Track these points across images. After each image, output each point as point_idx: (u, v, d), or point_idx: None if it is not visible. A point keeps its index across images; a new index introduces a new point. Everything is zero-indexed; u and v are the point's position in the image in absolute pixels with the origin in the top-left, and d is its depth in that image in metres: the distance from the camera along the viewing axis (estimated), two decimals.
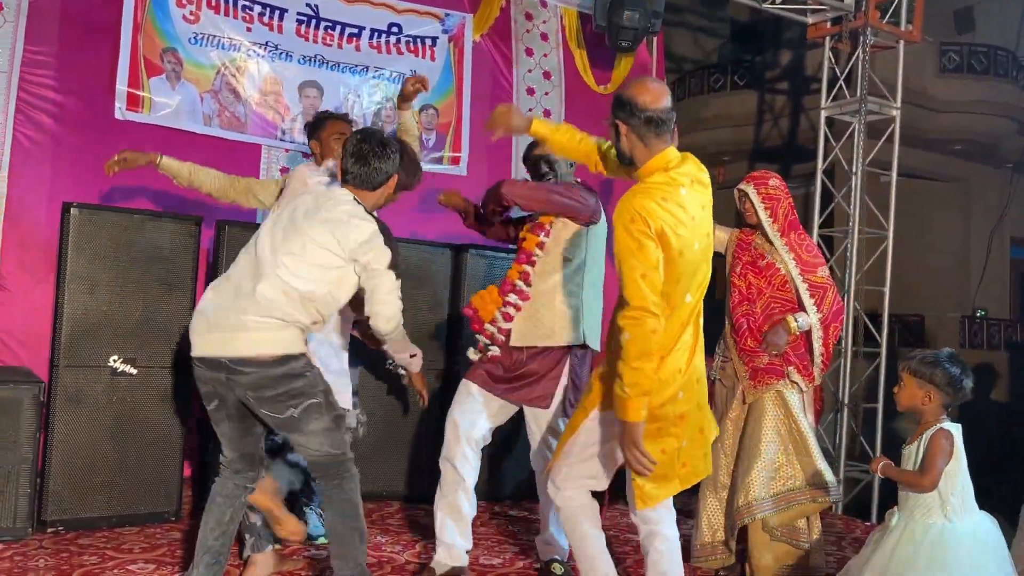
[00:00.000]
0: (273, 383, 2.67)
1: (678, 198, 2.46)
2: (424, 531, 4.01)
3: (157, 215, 3.85)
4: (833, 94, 6.04)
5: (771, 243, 3.53)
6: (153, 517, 3.81)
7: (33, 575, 3.09)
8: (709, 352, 2.85)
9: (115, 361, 3.70)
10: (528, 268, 3.34)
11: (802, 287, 3.49)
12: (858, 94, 5.75)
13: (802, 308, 3.48)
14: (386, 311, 2.80)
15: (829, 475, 3.40)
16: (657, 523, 2.65)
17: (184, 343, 3.74)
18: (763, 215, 3.51)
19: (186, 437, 3.91)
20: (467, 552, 3.27)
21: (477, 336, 3.35)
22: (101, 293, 3.70)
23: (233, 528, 2.86)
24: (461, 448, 3.24)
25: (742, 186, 3.59)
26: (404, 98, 3.70)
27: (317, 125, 3.70)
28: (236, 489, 2.84)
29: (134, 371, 3.74)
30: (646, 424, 2.47)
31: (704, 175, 2.59)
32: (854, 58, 5.88)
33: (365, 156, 2.81)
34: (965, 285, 10.19)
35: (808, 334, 3.49)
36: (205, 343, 2.70)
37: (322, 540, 3.55)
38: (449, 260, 4.55)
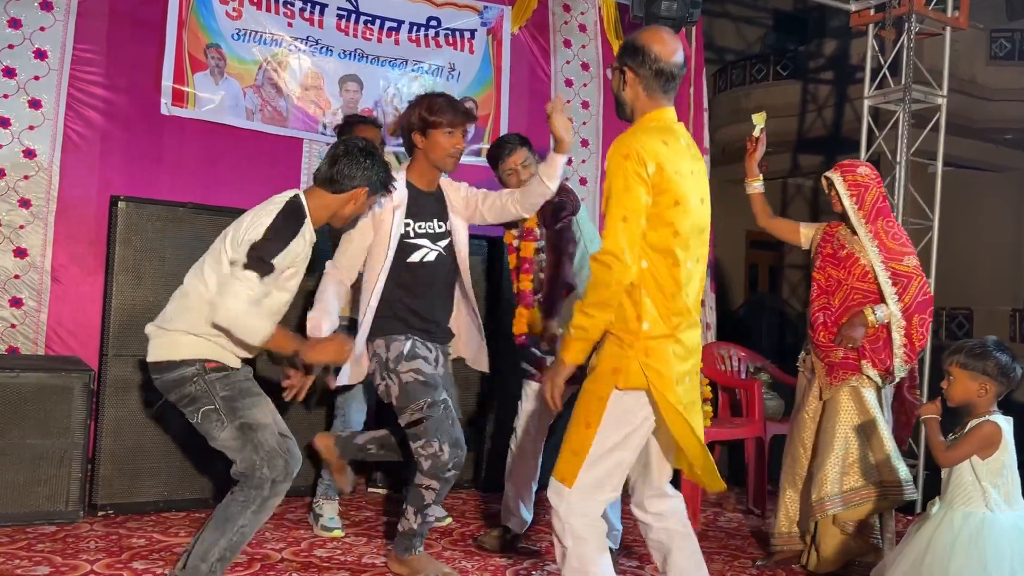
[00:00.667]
0: (170, 388, 2.71)
1: (678, 145, 2.32)
2: (460, 516, 4.05)
3: (201, 208, 3.94)
4: (877, 82, 5.93)
5: (855, 232, 3.46)
6: (198, 503, 3.90)
7: (85, 556, 3.19)
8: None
9: None
10: (540, 274, 3.47)
11: (883, 276, 3.39)
12: (903, 82, 5.64)
13: (883, 299, 3.39)
14: (220, 299, 2.57)
15: (903, 472, 3.32)
16: (657, 515, 2.47)
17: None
18: (848, 202, 3.46)
19: None
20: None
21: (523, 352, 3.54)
22: (148, 285, 3.80)
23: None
24: (533, 446, 3.53)
25: (828, 174, 3.55)
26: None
27: (345, 129, 3.75)
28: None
29: None
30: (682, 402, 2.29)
31: (695, 147, 2.44)
32: (898, 46, 5.77)
33: (336, 158, 2.76)
34: (1017, 278, 9.93)
35: (889, 327, 3.39)
36: None
37: (337, 532, 3.64)
38: (485, 252, 4.61)
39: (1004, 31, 10.06)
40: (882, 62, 5.94)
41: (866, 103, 5.98)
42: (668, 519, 2.48)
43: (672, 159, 2.27)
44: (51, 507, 3.56)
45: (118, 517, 3.70)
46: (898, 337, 3.37)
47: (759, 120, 3.55)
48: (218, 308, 2.57)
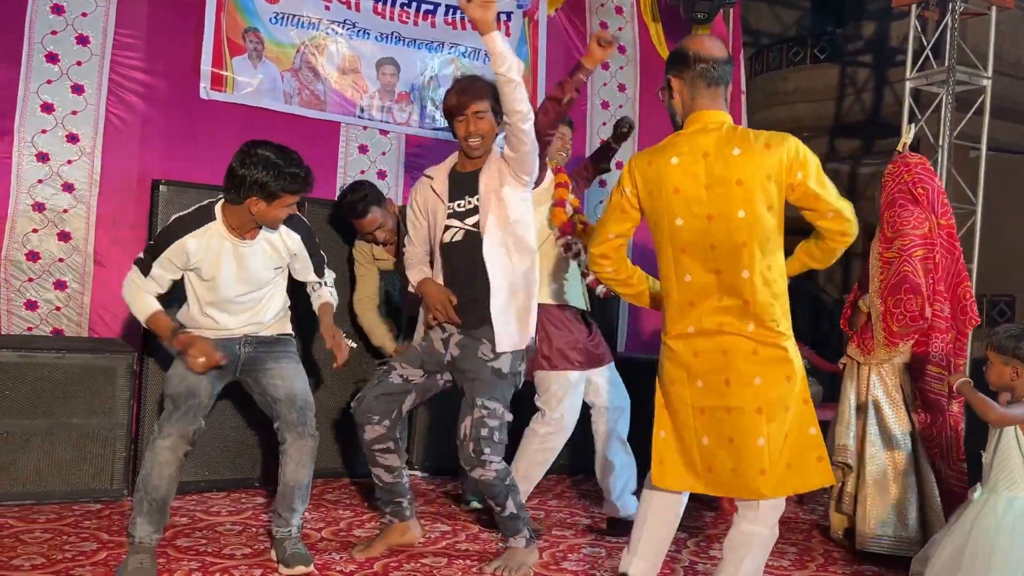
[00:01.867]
0: None
1: (662, 164, 2.38)
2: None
3: None
4: (919, 65, 5.82)
5: None
6: (238, 483, 3.95)
7: None
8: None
9: None
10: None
11: (874, 266, 3.52)
12: (946, 64, 5.53)
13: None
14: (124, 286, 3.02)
15: (838, 439, 3.53)
16: (740, 515, 2.51)
17: None
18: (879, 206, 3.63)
19: None
20: None
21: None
22: None
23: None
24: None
25: None
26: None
27: None
28: None
29: None
30: (659, 398, 2.53)
31: (736, 148, 2.32)
32: (942, 26, 5.65)
33: (227, 170, 2.86)
34: None
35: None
36: None
37: (475, 504, 3.77)
38: None
39: None
40: (924, 43, 5.82)
41: (908, 85, 5.88)
42: (738, 514, 2.53)
43: (648, 180, 2.41)
44: (96, 485, 3.63)
45: None
46: (876, 322, 3.51)
47: (908, 134, 3.73)
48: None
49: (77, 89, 4.47)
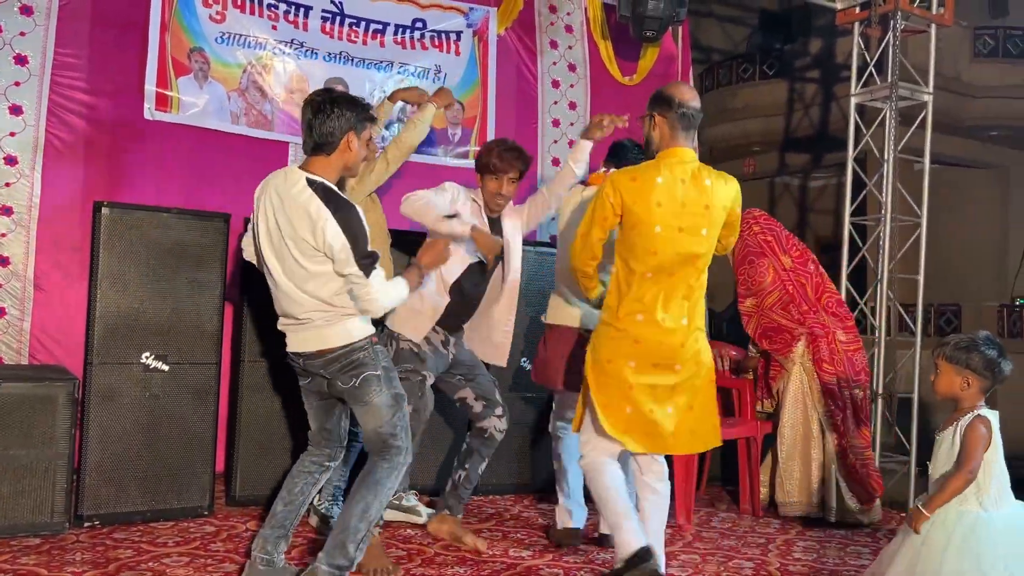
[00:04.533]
0: (333, 363, 2.82)
1: (648, 182, 2.85)
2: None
3: (185, 213, 3.88)
4: (863, 81, 5.93)
5: None
6: (186, 512, 3.85)
7: (71, 568, 3.14)
8: None
9: (147, 358, 3.75)
10: None
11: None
12: (889, 80, 5.64)
13: None
14: (371, 308, 2.78)
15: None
16: (647, 474, 3.07)
17: (214, 339, 3.82)
18: None
19: (217, 432, 3.95)
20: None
21: None
22: (132, 291, 3.74)
23: (301, 500, 2.96)
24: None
25: None
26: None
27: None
28: (311, 465, 3.00)
29: (166, 367, 3.78)
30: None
31: (708, 180, 2.89)
32: (884, 43, 5.78)
33: (311, 123, 2.75)
34: (1003, 273, 9.96)
35: None
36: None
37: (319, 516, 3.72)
38: None
39: (987, 29, 10.08)
40: (868, 60, 5.94)
41: (853, 101, 5.99)
42: (644, 474, 3.09)
43: (632, 192, 2.86)
44: (36, 518, 3.50)
45: (104, 528, 3.65)
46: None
47: None
48: (375, 312, 2.83)
49: (15, 110, 4.37)
